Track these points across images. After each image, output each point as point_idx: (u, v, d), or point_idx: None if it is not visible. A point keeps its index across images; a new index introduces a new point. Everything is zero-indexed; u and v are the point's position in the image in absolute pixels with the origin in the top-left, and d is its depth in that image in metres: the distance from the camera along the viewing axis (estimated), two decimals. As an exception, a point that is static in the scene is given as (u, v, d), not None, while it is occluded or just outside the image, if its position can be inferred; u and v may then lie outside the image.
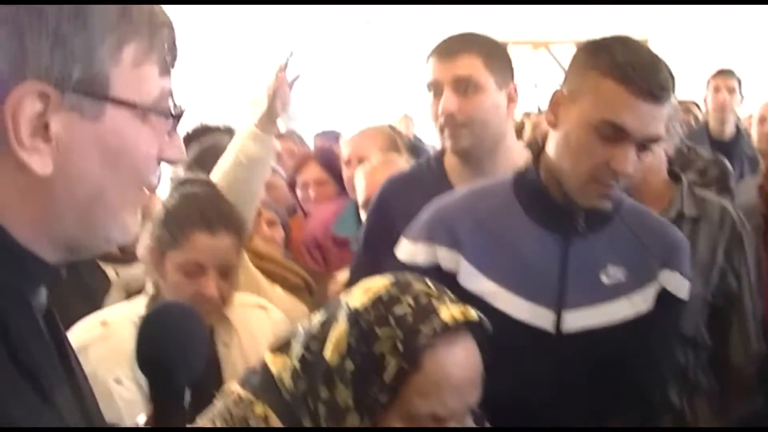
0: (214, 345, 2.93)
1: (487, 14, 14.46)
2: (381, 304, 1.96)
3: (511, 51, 11.59)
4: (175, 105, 1.41)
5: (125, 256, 4.01)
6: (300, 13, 14.56)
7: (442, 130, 3.15)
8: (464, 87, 3.08)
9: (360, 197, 4.16)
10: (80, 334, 2.81)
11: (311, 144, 7.45)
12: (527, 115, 11.05)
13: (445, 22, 14.45)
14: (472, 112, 3.09)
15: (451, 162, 3.29)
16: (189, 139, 4.75)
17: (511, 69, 3.22)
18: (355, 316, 1.96)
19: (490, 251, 2.66)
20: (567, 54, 14.53)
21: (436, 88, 3.14)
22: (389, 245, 3.19)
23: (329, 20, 14.80)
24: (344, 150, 4.89)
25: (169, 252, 2.85)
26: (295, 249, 4.80)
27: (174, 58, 1.41)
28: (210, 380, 2.79)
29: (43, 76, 1.24)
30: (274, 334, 3.02)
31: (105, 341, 2.81)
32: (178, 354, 1.79)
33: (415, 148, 6.68)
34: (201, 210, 2.90)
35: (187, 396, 1.76)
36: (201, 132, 4.95)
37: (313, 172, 5.24)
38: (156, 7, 1.38)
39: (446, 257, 2.66)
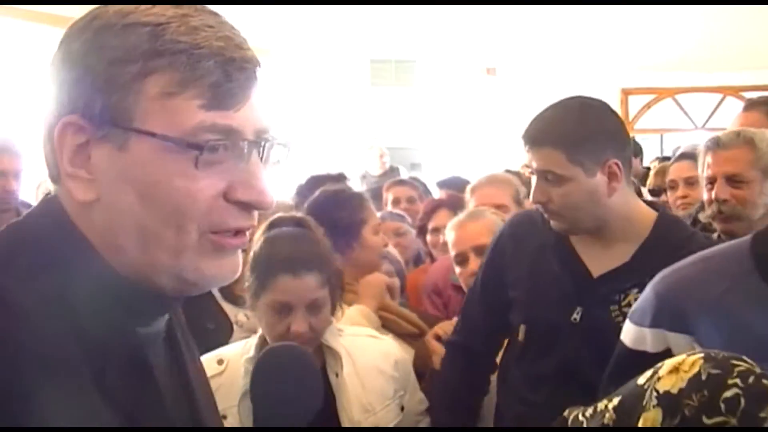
0: (327, 376, 3.02)
1: (609, 63, 14.39)
2: (703, 387, 1.66)
3: (635, 100, 11.27)
4: (237, 143, 1.35)
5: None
6: (421, 61, 14.67)
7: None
8: (550, 178, 2.99)
9: (452, 252, 4.15)
10: (222, 352, 3.04)
11: (434, 191, 7.49)
12: (658, 159, 10.90)
13: (566, 70, 14.44)
14: (560, 201, 3.01)
15: None
16: (303, 191, 4.91)
17: (612, 147, 3.02)
18: (672, 403, 1.68)
19: (729, 333, 2.30)
20: (691, 101, 14.36)
21: (531, 170, 3.09)
22: (498, 285, 3.28)
23: (451, 68, 14.87)
24: (470, 198, 4.94)
25: (261, 294, 2.96)
26: (416, 295, 4.85)
27: (234, 92, 1.34)
28: (324, 409, 2.93)
29: (75, 109, 1.31)
30: (388, 360, 3.17)
31: (219, 377, 2.94)
32: (292, 396, 1.88)
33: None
34: (283, 254, 2.98)
35: None
36: (314, 182, 5.07)
37: (444, 218, 5.29)
38: (213, 36, 1.34)
39: (678, 343, 2.34)
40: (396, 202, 6.55)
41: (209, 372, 2.87)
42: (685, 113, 15.51)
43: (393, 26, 13.67)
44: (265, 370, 2.00)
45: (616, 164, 2.99)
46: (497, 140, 14.19)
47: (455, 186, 6.75)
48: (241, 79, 1.35)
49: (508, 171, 5.95)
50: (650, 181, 6.38)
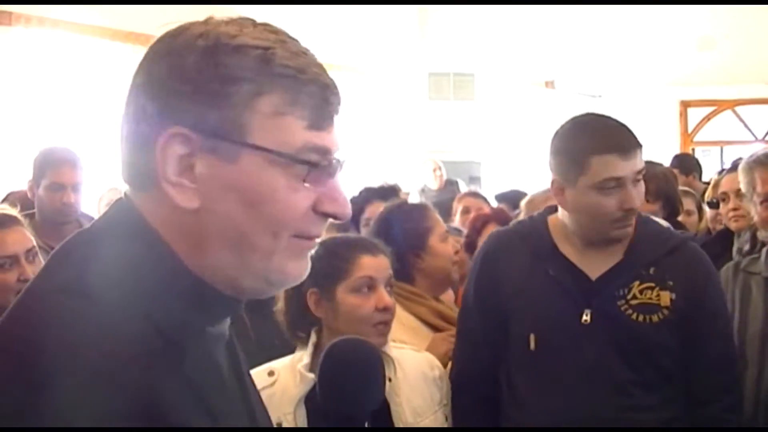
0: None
1: (668, 75, 14.31)
2: None
3: (694, 112, 11.18)
4: (330, 161, 1.47)
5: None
6: (479, 75, 14.67)
7: (616, 221, 3.18)
8: (639, 177, 3.17)
9: None
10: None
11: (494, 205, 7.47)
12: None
13: (625, 83, 14.38)
14: (641, 200, 3.21)
15: (555, 222, 3.36)
16: (358, 202, 5.10)
17: None
18: None
19: None
20: (751, 113, 14.26)
21: (619, 183, 3.14)
22: (494, 300, 3.35)
23: (509, 82, 14.86)
24: (525, 210, 4.95)
25: (339, 283, 3.11)
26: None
27: (329, 115, 1.48)
28: (380, 413, 3.00)
29: (184, 121, 1.39)
30: (432, 370, 3.29)
31: (271, 388, 3.03)
32: (362, 383, 2.02)
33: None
34: (356, 239, 3.35)
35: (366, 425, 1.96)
36: (368, 193, 5.14)
37: (495, 233, 5.30)
38: (311, 63, 1.47)
39: None
40: (465, 211, 6.57)
41: (260, 384, 3.01)
42: (745, 125, 15.36)
43: (451, 40, 13.69)
44: (335, 357, 2.13)
45: None
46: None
47: (514, 199, 6.75)
48: (334, 103, 1.49)
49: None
50: (708, 192, 6.32)
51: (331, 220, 1.50)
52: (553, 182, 3.25)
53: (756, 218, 4.00)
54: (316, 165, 1.44)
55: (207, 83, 1.39)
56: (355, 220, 5.12)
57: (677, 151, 13.38)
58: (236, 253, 1.43)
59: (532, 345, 3.23)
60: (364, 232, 4.92)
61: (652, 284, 3.17)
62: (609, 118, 3.29)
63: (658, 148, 10.79)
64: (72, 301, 1.33)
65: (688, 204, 6.05)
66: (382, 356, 3.08)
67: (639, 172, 3.15)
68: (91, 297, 1.33)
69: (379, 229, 4.03)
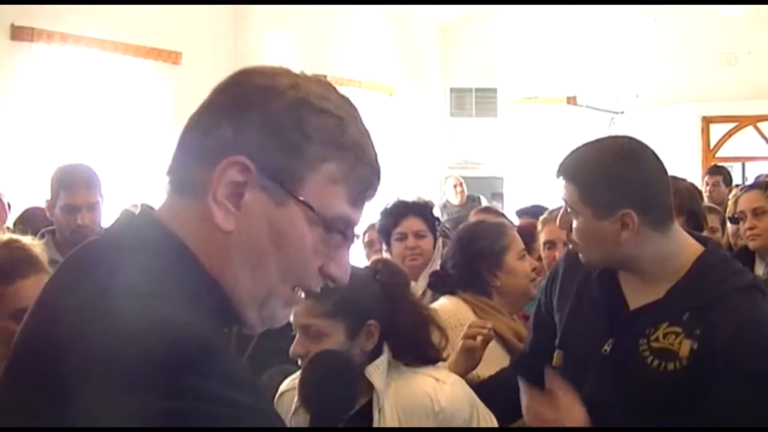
0: (371, 410, 3.09)
1: (690, 91, 14.29)
2: None
3: (716, 128, 11.16)
4: (352, 235, 1.60)
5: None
6: (502, 90, 14.68)
7: None
8: (568, 209, 3.03)
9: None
10: (284, 384, 3.21)
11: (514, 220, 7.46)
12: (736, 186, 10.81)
13: (647, 98, 14.36)
14: (575, 233, 3.05)
15: None
16: (388, 214, 5.21)
17: (631, 200, 2.94)
18: None
19: None
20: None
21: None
22: (545, 314, 3.37)
23: (531, 97, 14.86)
24: (542, 231, 4.97)
25: None
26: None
27: (367, 197, 1.62)
28: None
29: (252, 154, 1.49)
30: (440, 402, 3.10)
31: (294, 391, 3.06)
32: (328, 389, 2.27)
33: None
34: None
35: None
36: (402, 206, 5.28)
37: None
38: (370, 146, 1.60)
39: None
40: None
41: (290, 385, 3.17)
42: (767, 141, 15.32)
43: (472, 56, 13.69)
44: (309, 369, 2.45)
45: (630, 216, 2.92)
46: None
47: (535, 214, 6.74)
48: (377, 188, 1.64)
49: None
50: (729, 208, 6.29)
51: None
52: None
53: None
54: (342, 235, 1.58)
55: (286, 131, 1.50)
56: (386, 233, 5.13)
57: (699, 166, 13.35)
58: (250, 278, 1.54)
59: (556, 361, 3.19)
60: (396, 246, 5.07)
61: (679, 329, 2.90)
62: (601, 147, 3.09)
63: (680, 163, 10.75)
64: (110, 304, 1.37)
65: (713, 221, 6.00)
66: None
67: (564, 200, 3.04)
68: (132, 299, 1.38)
69: (456, 248, 4.20)
